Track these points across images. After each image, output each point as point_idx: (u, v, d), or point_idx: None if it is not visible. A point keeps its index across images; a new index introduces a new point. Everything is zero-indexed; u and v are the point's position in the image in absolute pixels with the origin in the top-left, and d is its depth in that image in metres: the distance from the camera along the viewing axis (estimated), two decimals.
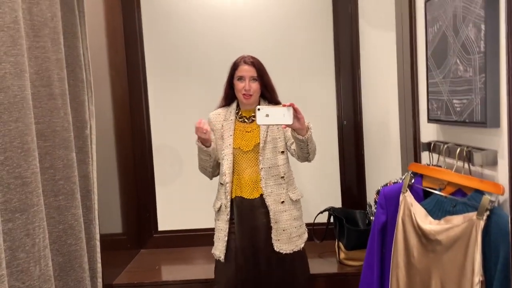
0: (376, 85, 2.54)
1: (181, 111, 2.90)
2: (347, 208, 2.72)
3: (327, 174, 2.95)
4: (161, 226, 2.93)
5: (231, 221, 2.00)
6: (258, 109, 1.70)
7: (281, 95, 2.12)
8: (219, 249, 2.01)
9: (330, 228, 2.63)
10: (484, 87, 1.15)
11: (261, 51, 2.31)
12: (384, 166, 2.48)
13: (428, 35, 1.51)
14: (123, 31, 2.80)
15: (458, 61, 1.29)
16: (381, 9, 2.33)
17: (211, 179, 2.14)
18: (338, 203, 2.94)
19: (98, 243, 2.02)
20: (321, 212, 2.62)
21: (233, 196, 2.00)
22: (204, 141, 1.93)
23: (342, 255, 2.44)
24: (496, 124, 1.15)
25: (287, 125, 1.75)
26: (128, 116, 2.83)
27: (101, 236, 2.05)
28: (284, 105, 1.71)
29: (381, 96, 2.41)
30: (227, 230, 1.98)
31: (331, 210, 2.58)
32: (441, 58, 1.41)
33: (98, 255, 2.01)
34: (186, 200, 2.92)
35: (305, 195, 2.46)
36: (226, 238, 1.98)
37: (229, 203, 1.99)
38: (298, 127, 1.77)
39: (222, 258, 1.99)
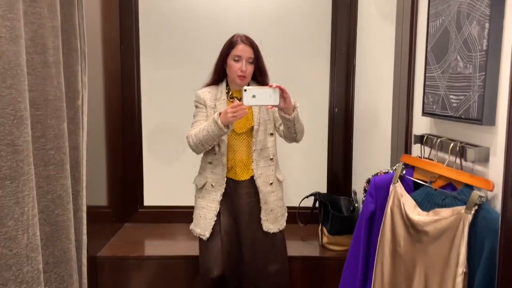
0: (370, 74, 2.56)
1: (172, 87, 2.88)
2: (332, 194, 2.77)
3: (315, 159, 2.98)
4: (147, 201, 2.93)
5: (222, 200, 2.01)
6: (245, 90, 1.71)
7: (274, 77, 2.10)
8: (201, 227, 2.02)
9: (315, 212, 2.68)
10: (483, 85, 1.18)
11: (256, 31, 2.29)
12: (371, 155, 2.51)
13: (429, 29, 1.52)
14: (118, 4, 2.74)
15: (458, 57, 1.31)
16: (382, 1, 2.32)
17: (198, 154, 2.08)
18: (323, 189, 2.98)
19: (84, 215, 2.02)
20: (307, 197, 2.65)
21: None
22: (226, 123, 1.82)
23: (325, 240, 2.49)
24: (492, 122, 1.18)
25: (274, 106, 1.76)
26: (119, 89, 2.79)
27: (87, 208, 2.05)
28: (270, 86, 1.72)
29: (375, 86, 2.43)
30: (218, 209, 1.99)
31: (316, 195, 2.61)
32: (441, 53, 1.42)
33: (84, 226, 2.01)
34: (172, 177, 2.92)
35: (291, 179, 2.47)
36: (216, 218, 1.99)
37: (225, 184, 1.99)
38: (285, 107, 1.78)
39: (206, 236, 2.00)
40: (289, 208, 2.66)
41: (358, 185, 2.73)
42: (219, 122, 1.81)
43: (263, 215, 2.01)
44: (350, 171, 2.91)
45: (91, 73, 2.23)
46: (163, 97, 2.89)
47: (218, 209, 1.99)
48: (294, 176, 2.88)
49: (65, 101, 1.86)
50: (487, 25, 1.16)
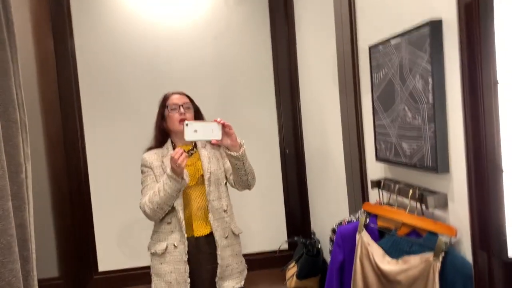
0: (318, 116, 2.62)
1: (118, 145, 2.80)
2: (293, 236, 2.77)
3: (271, 202, 2.98)
4: (102, 267, 2.78)
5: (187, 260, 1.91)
6: (187, 125, 1.69)
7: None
8: None
9: (277, 256, 2.68)
10: (434, 135, 1.24)
11: (200, 86, 2.32)
12: (328, 194, 2.55)
13: (373, 79, 1.60)
14: (55, 66, 2.64)
15: (406, 108, 1.38)
16: (321, 44, 2.42)
17: (157, 220, 1.96)
18: (283, 232, 2.98)
19: None
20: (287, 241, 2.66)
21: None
22: (179, 173, 1.78)
23: (293, 284, 2.47)
24: (446, 169, 1.24)
25: (217, 141, 1.75)
26: (63, 155, 2.67)
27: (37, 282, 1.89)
28: (215, 120, 1.73)
29: (323, 127, 2.49)
30: (188, 271, 1.89)
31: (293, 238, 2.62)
32: (388, 103, 1.49)
33: None
34: (126, 239, 2.80)
35: (250, 226, 2.44)
36: (189, 280, 1.89)
37: (186, 241, 1.91)
38: (230, 144, 1.76)
39: None
40: (250, 254, 2.62)
41: (317, 226, 2.76)
42: (174, 175, 1.76)
43: (218, 272, 1.92)
44: (308, 212, 2.93)
45: (32, 143, 2.12)
46: (110, 157, 2.80)
47: (188, 270, 1.89)
48: (252, 222, 2.86)
49: (8, 177, 1.74)
50: (430, 80, 1.24)
